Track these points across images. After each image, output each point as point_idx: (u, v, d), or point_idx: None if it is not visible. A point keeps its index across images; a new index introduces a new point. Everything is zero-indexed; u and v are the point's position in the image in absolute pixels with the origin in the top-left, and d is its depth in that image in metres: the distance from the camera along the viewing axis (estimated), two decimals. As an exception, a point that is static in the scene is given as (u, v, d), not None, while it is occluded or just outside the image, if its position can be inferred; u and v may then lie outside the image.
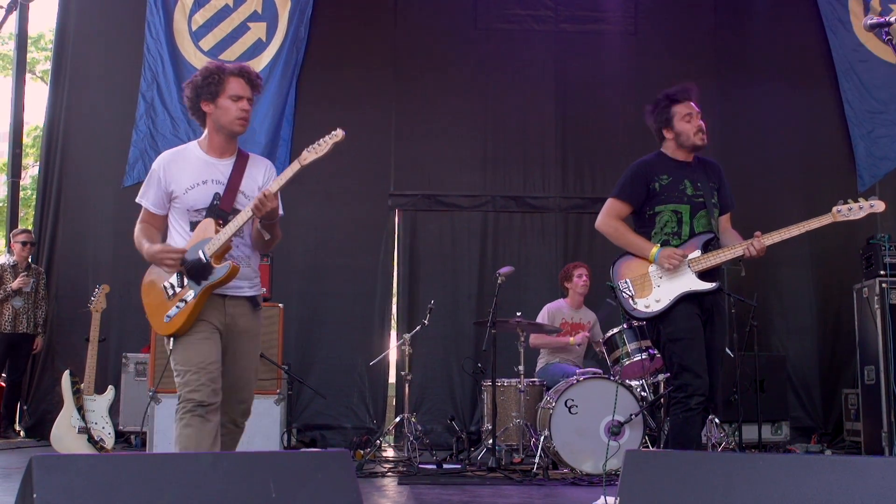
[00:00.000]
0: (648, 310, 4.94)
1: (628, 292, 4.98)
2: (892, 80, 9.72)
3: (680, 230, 5.02)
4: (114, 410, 7.87)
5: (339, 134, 4.31)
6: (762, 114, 10.20)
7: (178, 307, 4.27)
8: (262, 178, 4.49)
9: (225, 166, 4.43)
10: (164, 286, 4.34)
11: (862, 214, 4.94)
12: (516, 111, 10.30)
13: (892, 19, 4.59)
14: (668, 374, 5.20)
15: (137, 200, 4.50)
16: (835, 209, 4.96)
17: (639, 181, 5.08)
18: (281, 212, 4.33)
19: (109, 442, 7.55)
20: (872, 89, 9.74)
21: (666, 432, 5.15)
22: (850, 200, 4.95)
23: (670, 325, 4.89)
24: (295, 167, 4.24)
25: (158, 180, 4.41)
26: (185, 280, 4.27)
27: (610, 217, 5.15)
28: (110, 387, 7.85)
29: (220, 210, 4.32)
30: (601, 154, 10.06)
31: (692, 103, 5.16)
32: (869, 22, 4.66)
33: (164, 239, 4.48)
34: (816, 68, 10.19)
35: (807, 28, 10.18)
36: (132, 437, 8.70)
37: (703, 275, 4.94)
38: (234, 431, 4.43)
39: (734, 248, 4.98)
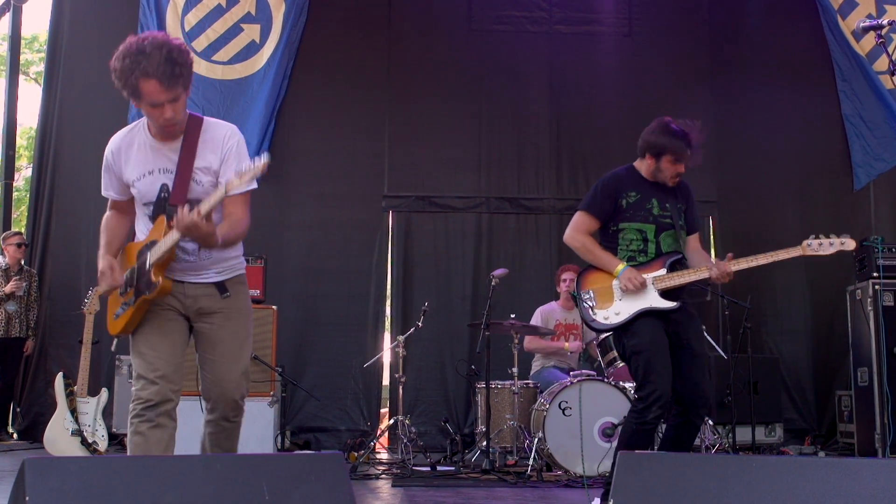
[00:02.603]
0: (607, 321, 4.95)
1: (590, 303, 4.99)
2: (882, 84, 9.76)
3: (646, 248, 5.00)
4: (107, 413, 7.87)
5: (261, 161, 3.50)
6: (757, 114, 10.21)
7: (122, 308, 4.01)
8: (219, 153, 3.92)
9: (172, 150, 3.91)
10: (124, 279, 4.01)
11: (832, 251, 4.95)
12: (510, 112, 10.30)
13: (885, 22, 4.60)
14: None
15: (102, 193, 4.19)
16: (805, 243, 4.97)
17: (607, 196, 5.05)
18: (220, 230, 3.79)
19: (103, 444, 7.54)
20: (867, 90, 9.77)
21: (661, 434, 5.15)
22: (821, 235, 4.96)
23: (633, 337, 4.89)
24: (220, 193, 3.59)
25: (109, 168, 4.08)
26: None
27: (578, 231, 5.12)
28: (103, 389, 7.85)
29: (171, 206, 3.82)
30: (596, 155, 10.06)
31: (686, 158, 5.05)
32: (862, 25, 4.68)
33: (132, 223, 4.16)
34: (811, 68, 10.22)
35: (801, 28, 10.22)
36: (125, 439, 8.67)
37: (666, 294, 4.92)
38: (228, 427, 4.04)
39: (699, 270, 4.97)
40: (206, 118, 4.06)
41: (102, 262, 4.04)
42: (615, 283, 4.96)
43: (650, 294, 4.92)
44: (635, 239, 5.01)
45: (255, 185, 3.82)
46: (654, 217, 5.01)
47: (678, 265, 5.01)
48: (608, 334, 7.10)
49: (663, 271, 4.95)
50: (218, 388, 4.00)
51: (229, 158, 3.90)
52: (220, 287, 4.02)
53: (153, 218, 3.95)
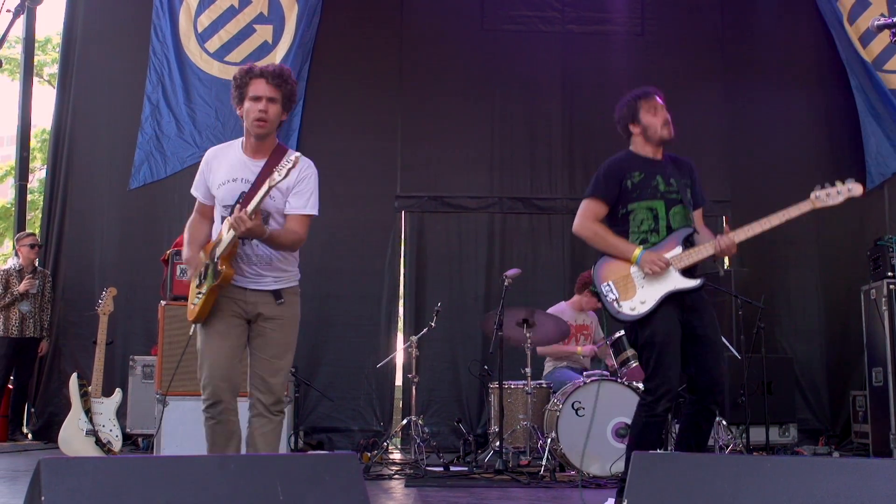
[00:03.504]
0: (634, 312, 4.83)
1: (612, 295, 4.89)
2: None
3: (657, 226, 4.93)
4: (121, 413, 7.89)
5: (293, 158, 4.18)
6: (769, 113, 10.19)
7: (198, 297, 4.50)
8: (293, 178, 4.42)
9: (257, 166, 4.48)
10: (200, 272, 4.55)
11: (840, 199, 4.80)
12: (523, 112, 10.29)
13: (901, 20, 4.59)
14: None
15: (191, 191, 4.72)
16: (813, 195, 4.83)
17: (612, 178, 5.02)
18: (272, 229, 4.40)
19: (117, 444, 7.56)
20: (877, 86, 9.76)
21: (675, 435, 5.12)
22: (827, 184, 4.81)
23: (647, 328, 4.82)
24: (265, 188, 4.21)
25: (202, 172, 4.63)
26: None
27: (588, 219, 5.06)
28: (118, 389, 7.87)
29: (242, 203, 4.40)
30: (608, 155, 9.82)
31: (657, 98, 5.09)
32: (877, 23, 4.66)
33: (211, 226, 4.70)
34: (823, 67, 10.23)
35: (813, 27, 10.21)
36: (140, 439, 8.70)
37: (686, 271, 4.87)
38: (272, 421, 4.47)
39: (707, 245, 4.87)
40: (292, 150, 4.60)
41: (185, 254, 4.73)
42: (633, 270, 4.87)
43: (672, 275, 4.83)
44: (646, 218, 4.94)
45: (315, 212, 4.51)
46: (661, 193, 4.96)
47: (690, 241, 4.93)
48: (621, 333, 7.09)
49: (679, 249, 4.87)
50: (265, 384, 4.48)
51: (303, 190, 4.48)
52: (276, 294, 4.57)
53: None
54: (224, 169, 4.55)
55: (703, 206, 5.22)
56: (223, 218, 4.47)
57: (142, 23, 9.93)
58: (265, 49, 9.93)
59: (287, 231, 4.48)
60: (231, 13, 9.98)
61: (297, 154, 4.33)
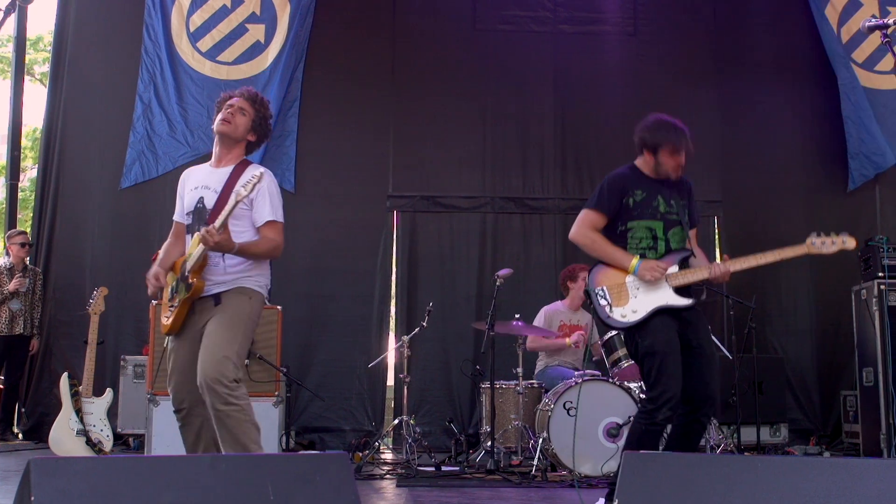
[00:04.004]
0: (625, 319, 4.90)
1: (605, 300, 4.95)
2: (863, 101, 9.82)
3: (656, 245, 5.00)
4: (112, 413, 7.87)
5: (258, 174, 4.40)
6: (761, 113, 10.21)
7: (171, 310, 4.72)
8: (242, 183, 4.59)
9: (222, 174, 4.71)
10: (172, 287, 4.79)
11: (834, 249, 5.03)
12: (515, 112, 10.28)
13: (892, 21, 4.60)
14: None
15: (174, 218, 4.99)
16: (809, 241, 5.02)
17: (614, 193, 5.05)
18: (243, 241, 4.56)
19: (108, 444, 7.54)
20: (863, 96, 9.84)
21: (665, 435, 5.14)
22: (822, 234, 5.03)
23: (647, 337, 4.86)
24: (231, 202, 4.38)
25: (179, 193, 4.93)
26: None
27: (586, 228, 5.09)
28: (108, 389, 7.85)
29: (210, 216, 4.62)
30: (600, 155, 10.04)
31: (684, 145, 5.11)
32: (868, 24, 4.67)
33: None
34: (816, 68, 10.25)
35: (806, 28, 10.23)
36: (130, 439, 8.69)
37: (680, 291, 4.93)
38: (217, 416, 4.43)
39: (702, 269, 4.98)
40: (253, 163, 4.85)
41: (152, 269, 4.86)
42: (629, 279, 4.94)
43: (665, 291, 4.90)
44: (645, 237, 5.00)
45: (280, 218, 4.69)
46: (661, 214, 5.02)
47: (686, 264, 5.02)
48: (613, 334, 7.10)
49: (675, 268, 4.95)
50: (199, 376, 4.48)
51: (262, 198, 4.64)
52: (216, 298, 4.64)
53: (191, 228, 4.74)
54: (192, 181, 4.85)
55: (697, 225, 5.31)
56: (188, 226, 4.76)
57: (133, 22, 9.92)
58: (257, 49, 9.92)
59: (263, 240, 4.66)
60: (223, 13, 9.97)
61: (262, 170, 4.55)
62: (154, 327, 7.10)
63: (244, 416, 4.45)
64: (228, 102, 4.75)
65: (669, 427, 5.06)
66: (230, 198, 4.40)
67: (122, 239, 9.71)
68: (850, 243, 5.01)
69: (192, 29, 9.94)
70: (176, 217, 4.95)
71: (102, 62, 10.10)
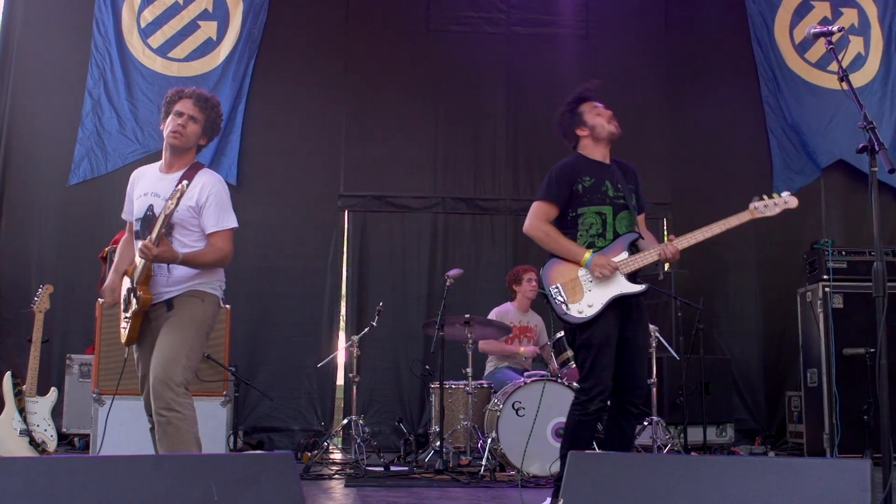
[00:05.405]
0: (582, 315, 4.91)
1: (560, 298, 4.97)
2: (810, 99, 9.99)
3: (605, 231, 5.04)
4: (57, 412, 7.75)
5: (180, 188, 4.32)
6: (711, 116, 10.31)
7: (126, 321, 4.69)
8: (196, 193, 4.61)
9: (171, 181, 4.60)
10: (123, 297, 4.75)
11: (777, 210, 5.05)
12: (468, 113, 10.30)
13: (836, 28, 4.67)
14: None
15: (122, 216, 4.93)
16: (752, 206, 5.05)
17: (564, 183, 5.09)
18: (188, 251, 4.56)
19: (52, 444, 7.43)
20: (792, 105, 10.01)
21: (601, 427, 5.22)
22: (764, 196, 5.05)
23: (587, 330, 4.91)
24: (161, 217, 4.36)
25: (128, 194, 4.84)
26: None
27: (539, 220, 5.13)
28: (53, 388, 7.73)
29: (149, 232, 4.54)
30: (552, 156, 9.89)
31: (595, 99, 5.22)
32: (813, 31, 4.74)
33: None
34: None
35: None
36: (76, 439, 8.57)
37: (631, 277, 4.98)
38: (171, 420, 4.36)
39: (652, 252, 5.02)
40: (205, 167, 4.79)
41: (108, 281, 4.86)
42: (581, 273, 4.96)
43: (619, 280, 4.94)
44: (595, 223, 5.04)
45: (234, 224, 4.69)
46: (610, 199, 5.06)
47: (636, 246, 5.07)
48: (562, 334, 7.14)
49: (625, 254, 4.99)
50: (150, 380, 4.49)
51: (210, 204, 4.61)
52: (168, 304, 4.62)
53: (140, 234, 4.67)
54: (140, 186, 4.77)
55: (645, 210, 5.37)
56: (136, 231, 4.74)
57: (83, 16, 9.79)
58: (209, 45, 9.86)
59: (210, 249, 4.63)
60: (175, 9, 9.90)
61: (206, 178, 4.64)
62: (100, 326, 7.01)
63: (186, 426, 4.38)
64: (178, 110, 4.64)
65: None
66: (161, 213, 4.39)
67: (69, 236, 9.58)
68: (793, 202, 5.04)
69: (143, 25, 9.85)
70: (125, 216, 4.90)
71: (51, 57, 9.95)
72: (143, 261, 4.47)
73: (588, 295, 4.94)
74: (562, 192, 5.09)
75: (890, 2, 10.31)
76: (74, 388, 8.35)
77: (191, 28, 9.90)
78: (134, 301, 4.56)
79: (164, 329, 4.55)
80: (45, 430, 7.43)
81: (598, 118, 5.19)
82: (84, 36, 9.73)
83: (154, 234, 4.36)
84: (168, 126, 4.65)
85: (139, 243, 4.46)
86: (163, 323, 4.58)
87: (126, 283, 4.72)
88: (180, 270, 4.59)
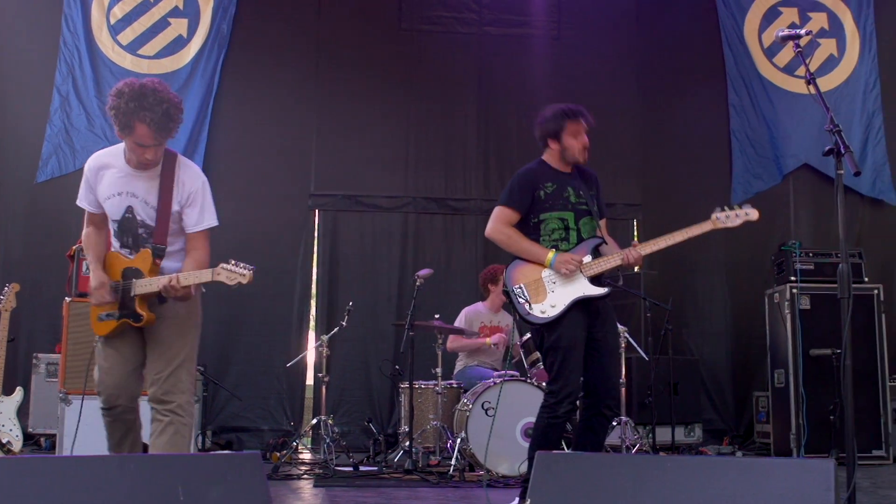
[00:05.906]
0: (544, 315, 4.96)
1: (523, 298, 5.01)
2: (779, 105, 10.07)
3: (568, 236, 5.10)
4: (22, 412, 7.69)
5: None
6: (682, 118, 10.36)
7: (107, 316, 4.50)
8: (188, 188, 4.54)
9: (146, 180, 4.46)
10: (110, 284, 4.51)
11: (738, 222, 5.10)
12: (439, 113, 10.30)
13: (804, 32, 4.71)
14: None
15: (77, 203, 4.65)
16: (714, 216, 5.11)
17: (525, 189, 5.14)
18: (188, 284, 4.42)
19: (17, 444, 7.38)
20: (765, 108, 10.09)
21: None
22: (726, 207, 5.10)
23: (554, 332, 4.95)
24: (206, 277, 4.41)
25: (87, 181, 4.55)
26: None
27: (500, 224, 5.17)
28: (18, 388, 7.67)
29: (156, 245, 4.47)
30: (523, 157, 9.96)
31: (583, 121, 5.22)
32: (781, 34, 4.77)
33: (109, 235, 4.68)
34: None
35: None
36: (42, 439, 8.49)
37: (594, 280, 5.02)
38: (174, 421, 4.37)
39: (615, 256, 5.06)
40: (180, 156, 4.61)
41: (94, 279, 4.54)
42: (545, 273, 5.01)
43: (581, 282, 4.99)
44: (557, 228, 5.09)
45: (214, 222, 4.67)
46: (572, 204, 5.12)
47: (599, 250, 5.12)
48: (528, 337, 7.16)
49: (589, 257, 5.04)
50: (151, 378, 4.45)
51: (194, 202, 4.57)
52: (160, 297, 4.45)
53: (119, 235, 4.52)
54: (108, 181, 4.50)
55: (605, 216, 5.43)
56: (115, 232, 4.55)
57: (52, 13, 9.70)
58: (179, 43, 9.80)
59: (196, 262, 4.53)
60: (145, 6, 9.83)
61: (199, 181, 4.64)
62: (67, 325, 6.95)
63: (187, 431, 4.43)
64: (139, 142, 4.30)
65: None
66: (207, 271, 4.41)
67: (36, 234, 9.48)
68: (753, 214, 5.10)
69: (112, 21, 9.77)
70: (85, 205, 4.63)
71: (19, 53, 9.84)
72: (153, 282, 4.37)
73: (551, 296, 4.98)
74: (524, 199, 5.14)
75: (864, 3, 10.39)
76: (41, 387, 8.27)
77: (161, 25, 9.84)
78: (132, 316, 4.43)
79: (164, 328, 4.50)
80: (11, 430, 7.37)
81: (574, 143, 5.20)
82: (53, 32, 9.63)
83: (185, 282, 4.34)
84: (133, 152, 4.38)
85: (162, 279, 4.35)
86: (155, 316, 4.49)
87: (111, 283, 4.51)
88: (170, 265, 4.53)
